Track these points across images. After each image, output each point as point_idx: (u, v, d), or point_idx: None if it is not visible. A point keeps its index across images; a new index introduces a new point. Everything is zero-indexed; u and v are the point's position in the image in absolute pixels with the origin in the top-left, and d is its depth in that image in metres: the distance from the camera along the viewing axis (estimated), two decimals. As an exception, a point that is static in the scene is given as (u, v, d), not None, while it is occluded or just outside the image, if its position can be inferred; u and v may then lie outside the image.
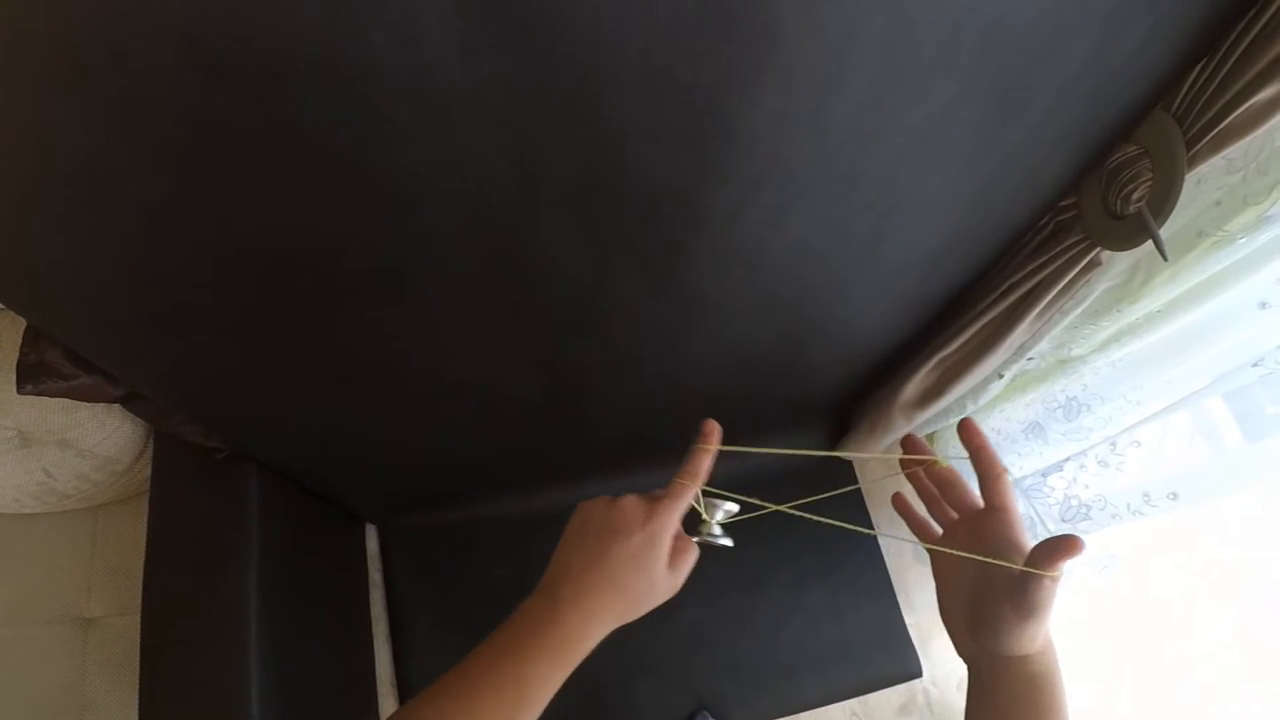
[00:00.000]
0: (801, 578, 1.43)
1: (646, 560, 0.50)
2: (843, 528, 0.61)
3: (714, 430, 0.54)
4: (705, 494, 0.55)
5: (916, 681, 1.43)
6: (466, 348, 0.82)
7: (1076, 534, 0.44)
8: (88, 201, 0.52)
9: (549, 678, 0.48)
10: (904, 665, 1.41)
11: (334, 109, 0.48)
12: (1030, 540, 0.48)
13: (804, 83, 0.53)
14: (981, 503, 0.52)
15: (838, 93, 0.56)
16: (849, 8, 0.48)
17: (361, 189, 0.55)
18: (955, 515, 0.54)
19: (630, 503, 0.52)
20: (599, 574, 0.50)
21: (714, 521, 0.56)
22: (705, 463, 0.53)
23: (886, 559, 1.47)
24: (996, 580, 0.47)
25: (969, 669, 0.51)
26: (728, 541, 0.56)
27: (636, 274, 0.76)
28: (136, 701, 0.90)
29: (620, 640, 1.45)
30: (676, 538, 0.52)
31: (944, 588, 0.53)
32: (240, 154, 0.50)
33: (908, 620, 1.43)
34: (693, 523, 0.56)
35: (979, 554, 0.49)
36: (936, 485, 0.56)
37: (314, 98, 0.47)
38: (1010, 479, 0.54)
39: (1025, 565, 0.45)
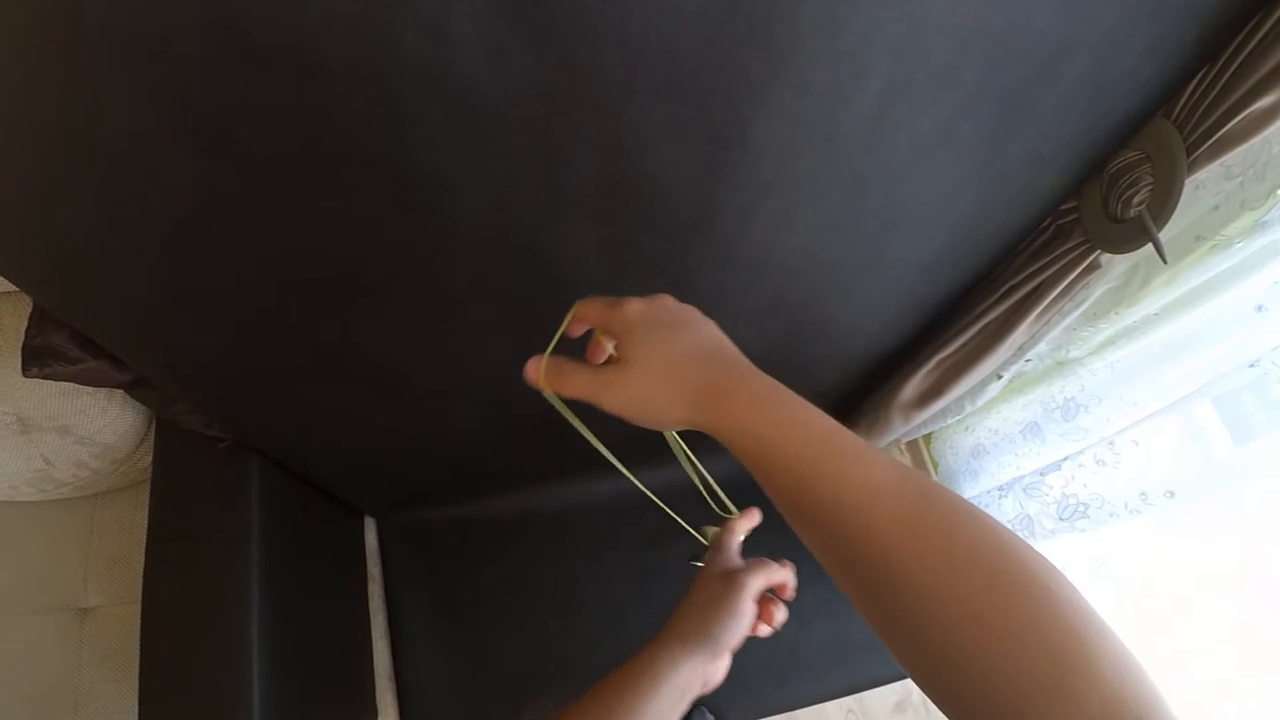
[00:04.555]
0: (797, 577, 1.43)
1: (699, 583, 0.59)
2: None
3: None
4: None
5: (910, 680, 1.43)
6: (477, 346, 0.83)
7: None
8: (122, 185, 0.52)
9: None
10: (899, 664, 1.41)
11: (367, 106, 0.49)
12: None
13: (818, 89, 0.54)
14: None
15: (849, 100, 0.57)
16: (867, 12, 0.49)
17: (389, 187, 0.56)
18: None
19: None
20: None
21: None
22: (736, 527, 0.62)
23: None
24: None
25: None
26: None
27: (646, 276, 0.77)
28: (133, 693, 0.89)
29: (617, 638, 1.44)
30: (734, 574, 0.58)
31: None
32: (273, 147, 0.51)
33: (904, 619, 1.44)
34: (699, 550, 0.62)
35: None
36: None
37: (347, 94, 0.48)
38: None
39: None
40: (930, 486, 0.35)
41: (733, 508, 0.63)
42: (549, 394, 0.44)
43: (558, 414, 0.48)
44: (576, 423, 0.49)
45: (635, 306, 0.44)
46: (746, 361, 0.43)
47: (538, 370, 0.44)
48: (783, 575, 0.59)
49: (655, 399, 0.41)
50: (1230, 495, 0.96)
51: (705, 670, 0.55)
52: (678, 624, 0.56)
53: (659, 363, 0.41)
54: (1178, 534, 1.15)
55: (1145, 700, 0.27)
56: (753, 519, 0.62)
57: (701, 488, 0.62)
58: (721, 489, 0.62)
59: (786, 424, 0.38)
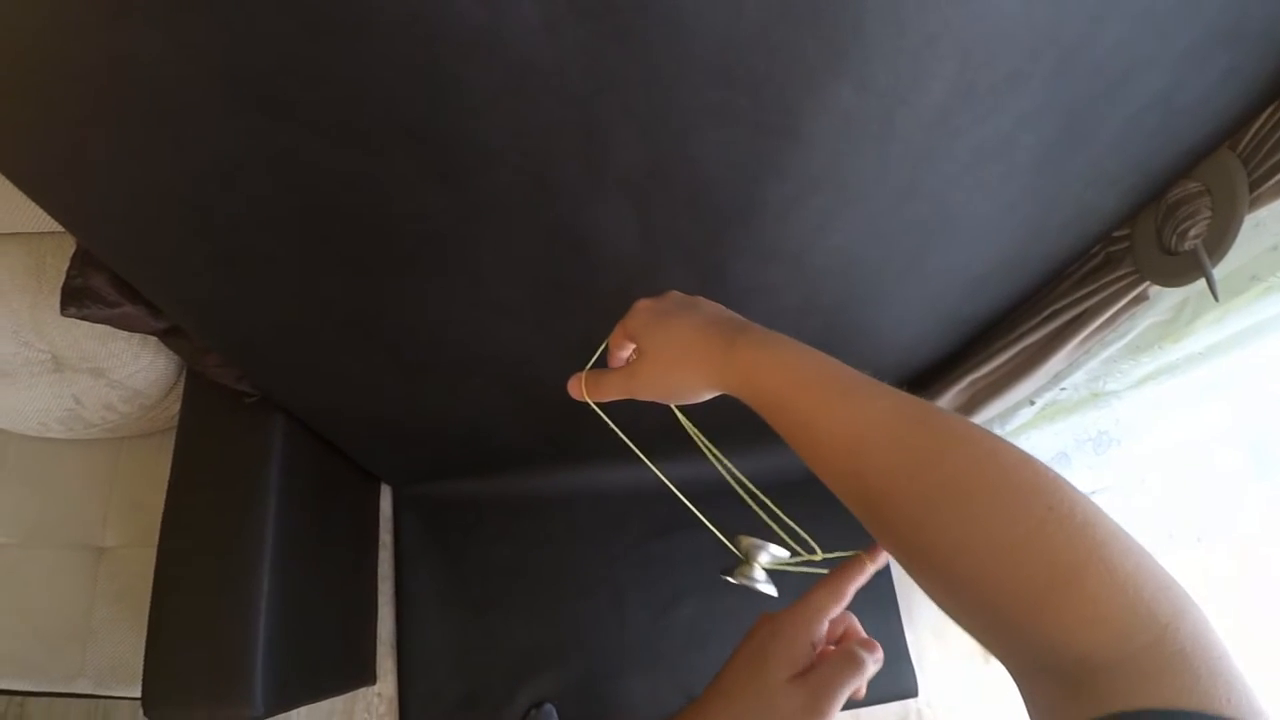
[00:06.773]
0: (805, 583, 1.42)
1: (751, 668, 0.44)
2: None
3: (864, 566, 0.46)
4: (755, 537, 0.50)
5: (911, 700, 1.42)
6: (505, 323, 0.83)
7: None
8: (167, 134, 0.53)
9: None
10: (902, 683, 1.40)
11: (414, 70, 0.48)
12: None
13: (878, 87, 0.53)
14: None
15: (909, 101, 0.55)
16: (935, 10, 0.47)
17: (429, 154, 0.56)
18: None
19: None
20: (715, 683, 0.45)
21: (757, 564, 0.50)
22: (847, 588, 0.46)
23: (893, 571, 1.45)
24: None
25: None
26: (771, 590, 0.50)
27: (681, 264, 0.76)
28: (141, 635, 0.91)
29: (618, 634, 1.44)
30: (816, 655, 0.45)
31: None
32: (316, 104, 0.51)
33: (908, 637, 1.43)
34: (732, 563, 0.51)
35: None
36: None
37: (397, 57, 0.47)
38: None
39: None
40: (926, 416, 0.34)
41: (814, 546, 0.50)
42: (593, 404, 0.49)
43: (575, 402, 0.49)
44: (620, 433, 0.53)
45: (643, 304, 0.47)
46: (746, 321, 0.45)
47: (579, 385, 0.49)
48: (872, 671, 0.45)
49: (676, 378, 0.44)
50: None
51: None
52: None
53: (672, 346, 0.44)
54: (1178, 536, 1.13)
55: (1168, 610, 0.27)
56: (861, 574, 0.46)
57: (772, 523, 0.51)
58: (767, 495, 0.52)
59: (781, 368, 0.39)
